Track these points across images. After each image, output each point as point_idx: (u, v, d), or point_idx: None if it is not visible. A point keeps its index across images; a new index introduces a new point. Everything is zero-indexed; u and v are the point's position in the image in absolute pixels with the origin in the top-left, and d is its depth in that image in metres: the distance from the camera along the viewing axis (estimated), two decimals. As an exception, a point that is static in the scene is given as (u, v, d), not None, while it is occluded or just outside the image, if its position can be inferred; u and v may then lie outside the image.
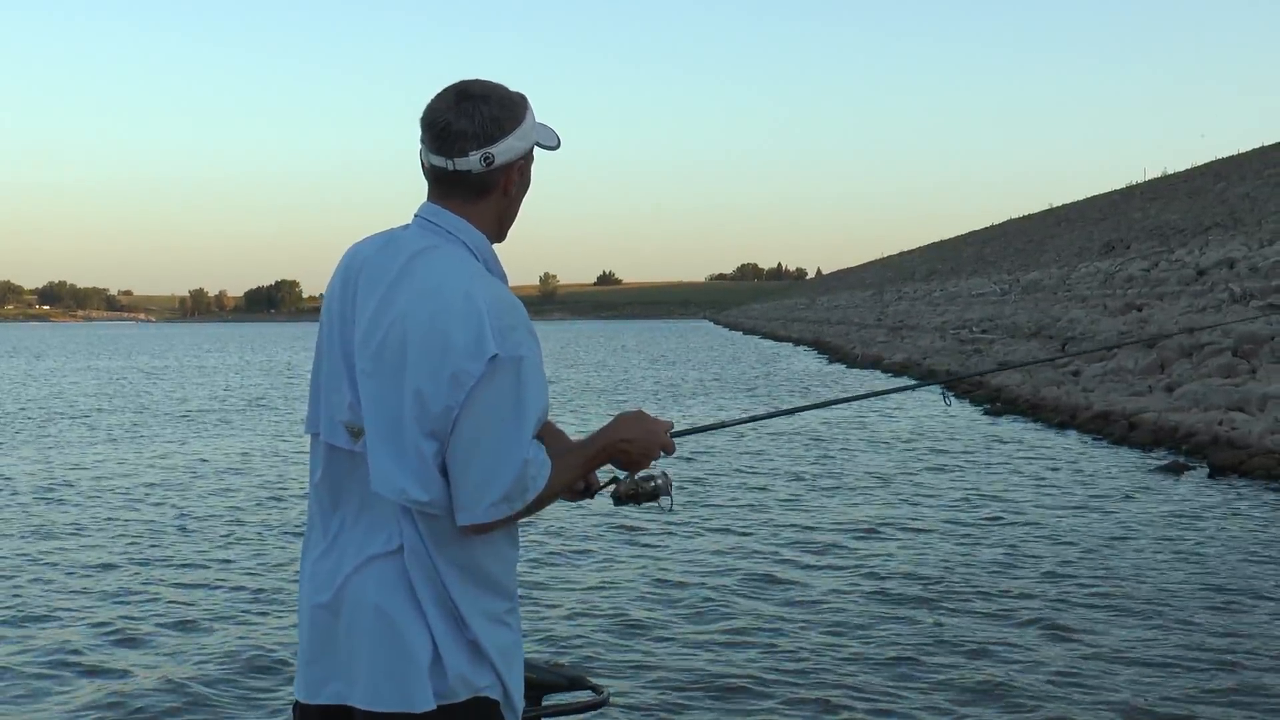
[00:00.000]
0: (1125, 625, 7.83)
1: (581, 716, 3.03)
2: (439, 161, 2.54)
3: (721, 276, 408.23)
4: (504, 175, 2.57)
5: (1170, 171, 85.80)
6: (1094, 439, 18.20)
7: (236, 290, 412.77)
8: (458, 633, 2.44)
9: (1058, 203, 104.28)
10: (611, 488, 2.74)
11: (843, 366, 43.37)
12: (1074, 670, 6.93)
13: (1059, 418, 20.65)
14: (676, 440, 2.75)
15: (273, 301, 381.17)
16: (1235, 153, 77.23)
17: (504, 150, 2.53)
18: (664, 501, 2.73)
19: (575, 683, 3.00)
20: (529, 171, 2.63)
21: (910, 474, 15.21)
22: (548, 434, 2.60)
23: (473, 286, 2.43)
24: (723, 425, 3.41)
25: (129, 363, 60.48)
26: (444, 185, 2.57)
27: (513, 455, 2.37)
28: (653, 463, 2.66)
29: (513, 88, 2.60)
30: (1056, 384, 23.90)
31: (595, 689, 3.03)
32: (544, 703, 2.92)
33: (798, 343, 69.38)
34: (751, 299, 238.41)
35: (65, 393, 35.77)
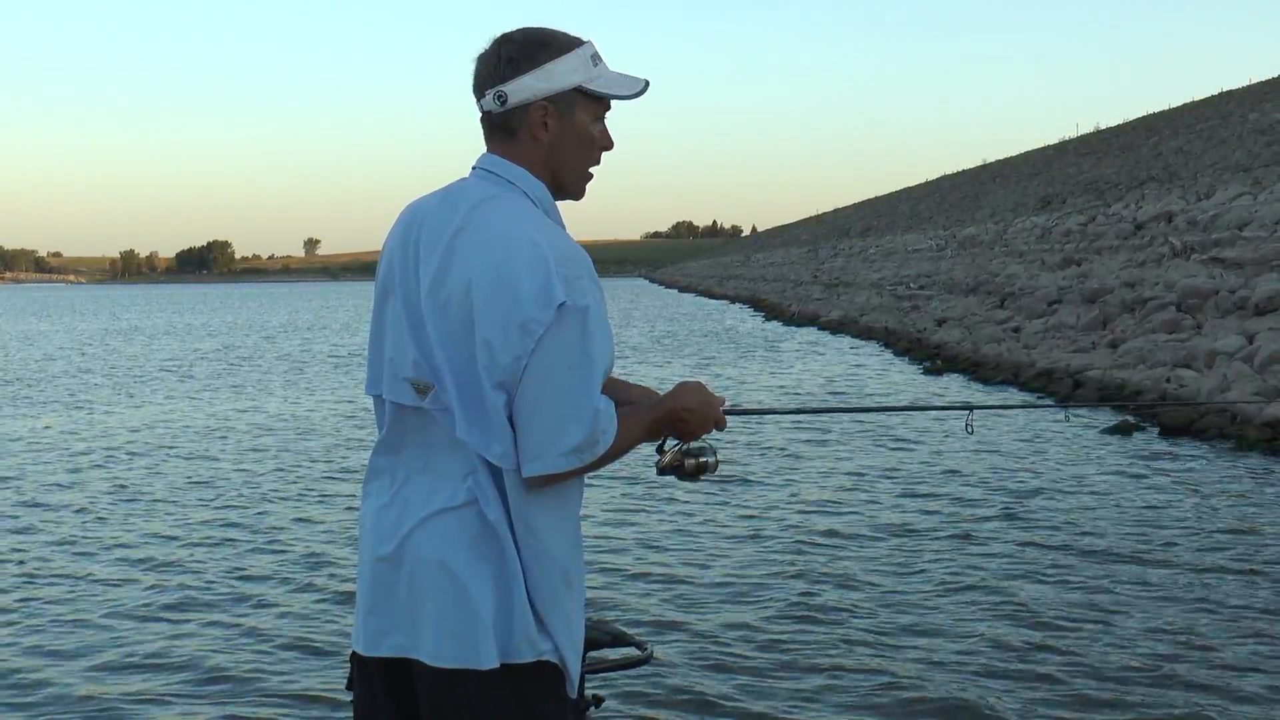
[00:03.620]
0: (1088, 593, 7.56)
1: (625, 673, 3.11)
2: (478, 106, 2.54)
3: (657, 234, 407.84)
4: (525, 116, 2.49)
5: (1103, 126, 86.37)
6: (1038, 397, 17.70)
7: (168, 251, 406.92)
8: (522, 592, 2.39)
9: (991, 158, 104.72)
10: (655, 456, 2.68)
11: (779, 324, 42.87)
12: (1024, 640, 6.66)
13: (1000, 375, 20.21)
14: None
15: (204, 262, 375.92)
16: (1166, 107, 77.73)
17: (517, 89, 2.46)
18: (707, 475, 2.68)
19: (619, 639, 3.02)
20: (577, 121, 2.51)
21: (860, 434, 14.85)
22: (610, 386, 2.54)
23: (538, 235, 2.38)
24: (772, 411, 3.91)
25: (103, 324, 59.29)
26: (484, 131, 2.56)
27: (584, 405, 2.34)
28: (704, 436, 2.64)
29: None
30: (997, 341, 23.46)
31: (639, 645, 3.05)
32: (587, 658, 2.87)
33: (733, 300, 68.90)
34: (687, 257, 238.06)
35: (79, 355, 34.82)
